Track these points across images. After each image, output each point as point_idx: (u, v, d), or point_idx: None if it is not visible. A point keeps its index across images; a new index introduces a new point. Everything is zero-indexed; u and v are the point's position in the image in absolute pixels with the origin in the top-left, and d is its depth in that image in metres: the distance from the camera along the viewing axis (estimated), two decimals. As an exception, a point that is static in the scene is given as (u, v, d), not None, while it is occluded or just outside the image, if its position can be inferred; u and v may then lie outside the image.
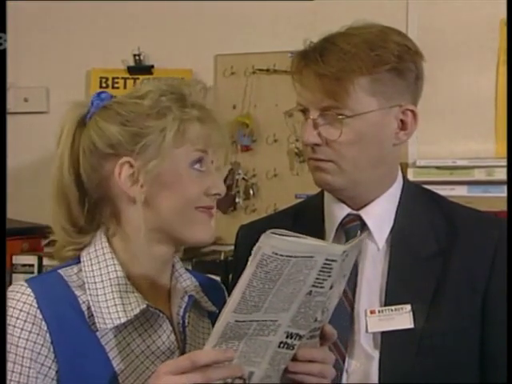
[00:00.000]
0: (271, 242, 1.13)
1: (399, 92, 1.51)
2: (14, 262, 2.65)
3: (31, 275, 2.53)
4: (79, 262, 1.39)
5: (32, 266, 2.65)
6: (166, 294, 1.43)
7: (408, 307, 1.51)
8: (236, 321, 1.17)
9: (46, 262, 2.65)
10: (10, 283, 2.60)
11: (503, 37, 2.50)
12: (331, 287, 1.21)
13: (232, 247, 2.43)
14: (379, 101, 1.49)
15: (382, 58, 1.47)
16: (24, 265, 2.65)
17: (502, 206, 1.75)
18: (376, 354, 1.51)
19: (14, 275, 2.62)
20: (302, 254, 1.15)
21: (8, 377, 1.26)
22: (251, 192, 2.78)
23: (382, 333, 1.52)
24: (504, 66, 2.50)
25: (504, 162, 2.39)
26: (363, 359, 1.52)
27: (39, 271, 2.62)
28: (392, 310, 1.52)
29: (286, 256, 1.14)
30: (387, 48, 1.48)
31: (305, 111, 1.53)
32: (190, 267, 2.53)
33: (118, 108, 1.39)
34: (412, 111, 1.53)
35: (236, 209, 2.78)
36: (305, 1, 2.63)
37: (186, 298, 1.40)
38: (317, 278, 1.19)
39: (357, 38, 1.48)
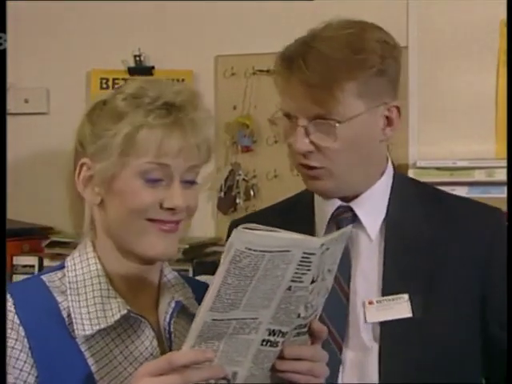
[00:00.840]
0: (243, 238, 1.10)
1: (383, 90, 1.52)
2: (14, 262, 2.65)
3: (31, 276, 2.54)
4: (64, 267, 1.37)
5: (32, 266, 2.65)
6: (153, 300, 1.40)
7: (406, 296, 1.52)
8: (213, 319, 1.15)
9: (46, 263, 2.64)
10: (11, 284, 2.60)
11: (503, 37, 2.50)
12: (312, 281, 1.19)
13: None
14: (366, 102, 1.49)
15: (368, 62, 1.48)
16: (24, 266, 2.65)
17: (503, 207, 1.75)
18: (373, 346, 1.52)
19: (14, 276, 2.62)
20: (278, 249, 1.13)
21: None
22: (252, 193, 2.78)
23: (381, 324, 1.52)
24: (504, 67, 2.50)
25: (504, 163, 2.39)
26: (359, 351, 1.52)
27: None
28: (390, 300, 1.52)
29: (260, 251, 1.11)
30: (370, 49, 1.48)
31: (291, 117, 1.52)
32: (190, 268, 2.55)
33: (98, 106, 1.37)
34: (396, 107, 1.54)
35: (236, 209, 2.78)
36: (305, 1, 2.63)
37: (172, 304, 1.37)
38: (295, 273, 1.16)
39: (339, 40, 1.47)
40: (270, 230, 1.13)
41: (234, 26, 2.75)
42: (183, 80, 2.72)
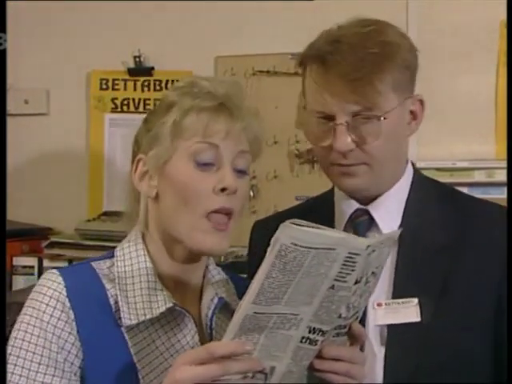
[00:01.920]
0: (290, 233, 1.11)
1: (409, 84, 1.52)
2: (14, 263, 2.64)
3: (31, 277, 2.55)
4: (113, 256, 1.41)
5: (32, 267, 2.65)
6: (197, 295, 1.43)
7: (415, 300, 1.50)
8: (255, 312, 1.15)
9: (46, 263, 2.64)
10: (10, 285, 2.62)
11: (503, 38, 2.49)
12: (356, 282, 1.19)
13: (232, 249, 2.43)
14: (398, 96, 1.50)
15: (399, 55, 1.48)
16: (24, 266, 2.65)
17: (503, 208, 1.75)
18: (380, 352, 1.50)
19: (14, 277, 2.62)
20: (323, 246, 1.13)
21: (37, 361, 1.29)
22: (251, 193, 2.78)
23: (388, 327, 1.50)
24: (504, 68, 2.50)
25: (504, 164, 2.39)
26: (369, 356, 1.49)
27: (39, 273, 2.61)
28: (399, 303, 1.51)
29: (306, 247, 1.12)
30: (398, 43, 1.49)
31: (328, 117, 1.49)
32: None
33: (153, 106, 1.43)
34: (420, 100, 1.55)
35: (236, 210, 2.78)
36: (305, 1, 2.63)
37: (215, 300, 1.40)
38: (339, 272, 1.16)
39: (367, 36, 1.47)
40: (316, 227, 1.14)
41: (233, 27, 2.74)
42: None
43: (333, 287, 1.18)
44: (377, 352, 1.50)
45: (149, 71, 2.82)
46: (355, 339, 1.28)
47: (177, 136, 1.34)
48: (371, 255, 1.18)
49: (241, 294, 1.41)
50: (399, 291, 1.52)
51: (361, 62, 1.44)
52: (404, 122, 1.53)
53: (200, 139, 1.34)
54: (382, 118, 1.46)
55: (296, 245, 1.11)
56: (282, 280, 1.14)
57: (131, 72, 2.83)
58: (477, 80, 2.54)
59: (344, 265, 1.16)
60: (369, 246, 1.17)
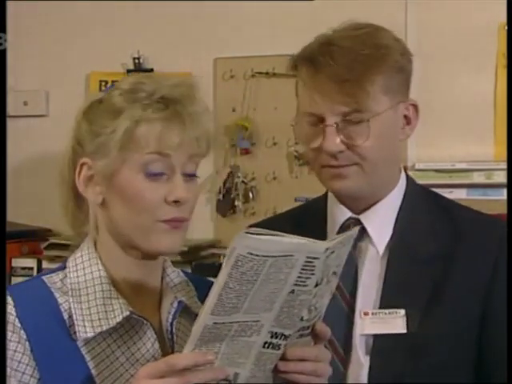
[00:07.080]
0: (245, 242, 1.09)
1: (402, 88, 1.52)
2: (13, 265, 2.65)
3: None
4: (65, 267, 1.36)
5: (31, 269, 2.65)
6: (155, 300, 1.39)
7: (402, 312, 1.50)
8: (214, 323, 1.14)
9: (45, 265, 2.64)
10: (10, 286, 2.60)
11: (502, 40, 2.50)
12: (316, 285, 1.18)
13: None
14: (390, 99, 1.49)
15: (391, 57, 1.48)
16: (23, 268, 2.65)
17: (501, 209, 1.75)
18: (366, 361, 1.49)
19: (13, 278, 2.62)
20: (280, 253, 1.12)
21: None
22: (250, 195, 2.78)
23: (374, 337, 1.50)
24: (502, 70, 2.50)
25: (503, 165, 2.40)
26: (356, 366, 1.50)
27: (38, 274, 2.62)
28: (386, 314, 1.50)
29: (263, 256, 1.11)
30: (390, 46, 1.49)
31: (317, 118, 1.49)
32: (189, 270, 2.55)
33: (94, 104, 1.35)
34: (413, 105, 1.55)
35: (235, 212, 2.78)
36: (304, 1, 2.63)
37: (175, 304, 1.36)
38: (299, 277, 1.15)
39: (359, 38, 1.47)
40: (274, 234, 1.12)
41: (233, 29, 2.75)
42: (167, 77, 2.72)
43: (293, 292, 1.17)
44: (362, 361, 1.50)
45: (148, 72, 2.82)
46: (319, 338, 1.27)
47: (127, 148, 1.29)
48: (330, 257, 1.17)
49: (201, 294, 1.37)
50: (387, 301, 1.51)
51: (351, 64, 1.44)
52: (397, 125, 1.53)
53: (151, 150, 1.29)
54: (369, 120, 1.46)
55: (252, 254, 1.10)
56: (240, 290, 1.12)
57: (130, 73, 2.83)
58: (475, 82, 2.55)
59: (303, 269, 1.15)
60: (327, 249, 1.16)
